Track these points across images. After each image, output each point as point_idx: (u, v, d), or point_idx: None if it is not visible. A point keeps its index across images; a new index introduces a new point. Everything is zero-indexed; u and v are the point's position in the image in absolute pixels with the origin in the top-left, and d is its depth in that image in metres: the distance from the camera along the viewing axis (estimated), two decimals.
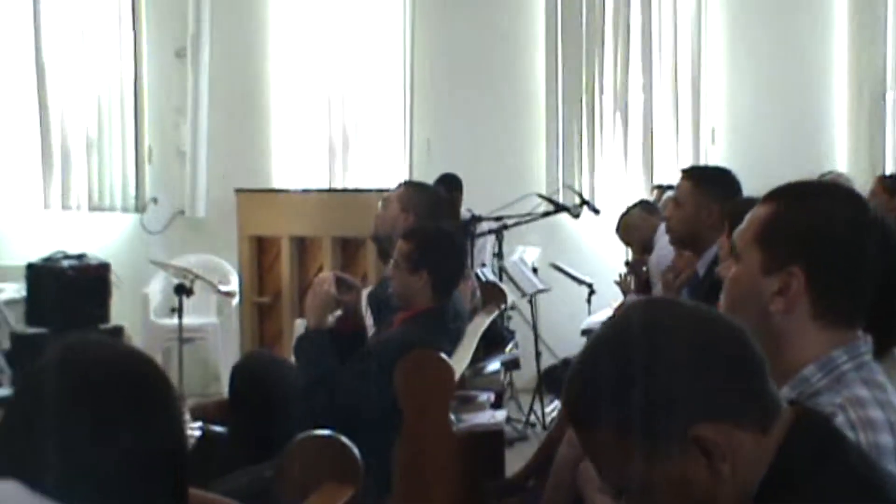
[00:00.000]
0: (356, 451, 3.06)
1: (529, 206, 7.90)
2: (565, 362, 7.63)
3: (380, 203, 5.52)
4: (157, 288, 9.45)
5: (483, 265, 8.03)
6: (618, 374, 1.76)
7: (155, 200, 9.94)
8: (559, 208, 7.60)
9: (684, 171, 5.09)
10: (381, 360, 4.31)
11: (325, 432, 3.15)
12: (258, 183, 9.36)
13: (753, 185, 3.79)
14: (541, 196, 7.77)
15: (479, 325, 5.68)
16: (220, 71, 9.82)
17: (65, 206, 9.82)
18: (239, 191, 8.54)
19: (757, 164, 7.39)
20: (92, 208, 9.87)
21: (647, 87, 9.21)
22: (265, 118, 9.87)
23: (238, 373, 5.28)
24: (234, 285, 8.85)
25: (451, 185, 8.79)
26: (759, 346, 1.82)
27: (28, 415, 2.12)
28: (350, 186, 9.56)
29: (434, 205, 5.48)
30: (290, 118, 9.84)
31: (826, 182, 2.88)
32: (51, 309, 7.80)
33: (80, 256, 8.05)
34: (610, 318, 1.88)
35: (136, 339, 9.49)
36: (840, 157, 9.18)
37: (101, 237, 9.74)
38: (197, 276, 8.80)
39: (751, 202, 3.86)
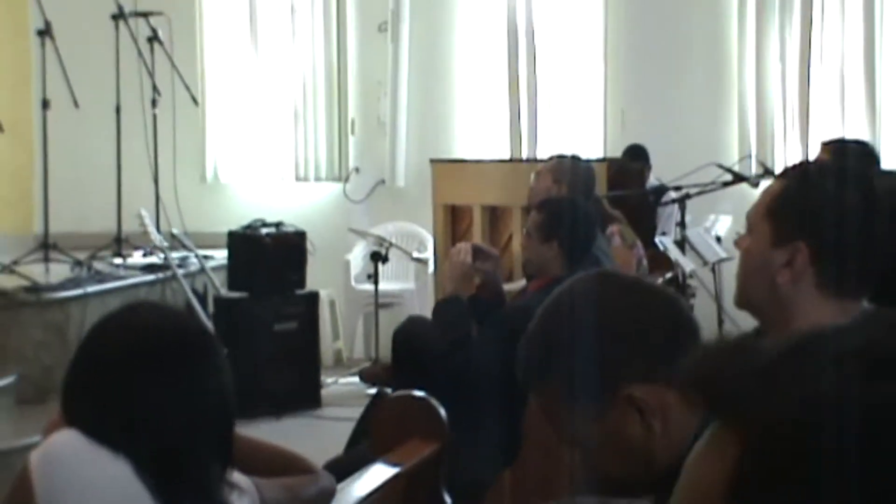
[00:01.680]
0: (442, 410, 3.28)
1: (714, 176, 7.94)
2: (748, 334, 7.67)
3: (532, 175, 5.70)
4: (359, 255, 9.84)
5: (664, 233, 8.13)
6: (560, 337, 1.95)
7: (357, 170, 10.33)
8: (737, 178, 7.62)
9: (825, 144, 5.12)
10: (513, 326, 4.50)
11: (416, 392, 3.38)
12: (451, 154, 9.65)
13: None
14: (720, 166, 7.80)
15: None
16: (418, 45, 10.13)
17: (273, 176, 10.33)
18: (434, 161, 8.83)
19: None
20: (298, 178, 10.35)
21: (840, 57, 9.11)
22: (460, 91, 10.12)
23: (397, 337, 5.56)
24: (429, 252, 9.16)
25: (637, 156, 8.92)
26: (689, 311, 1.99)
27: (88, 370, 2.42)
28: (542, 156, 9.73)
29: (586, 177, 5.64)
30: (484, 90, 10.07)
31: (832, 164, 2.96)
32: (250, 274, 8.22)
33: (278, 225, 8.45)
34: (561, 288, 2.07)
35: (339, 303, 9.95)
36: None
37: (306, 206, 10.20)
38: (392, 244, 9.16)
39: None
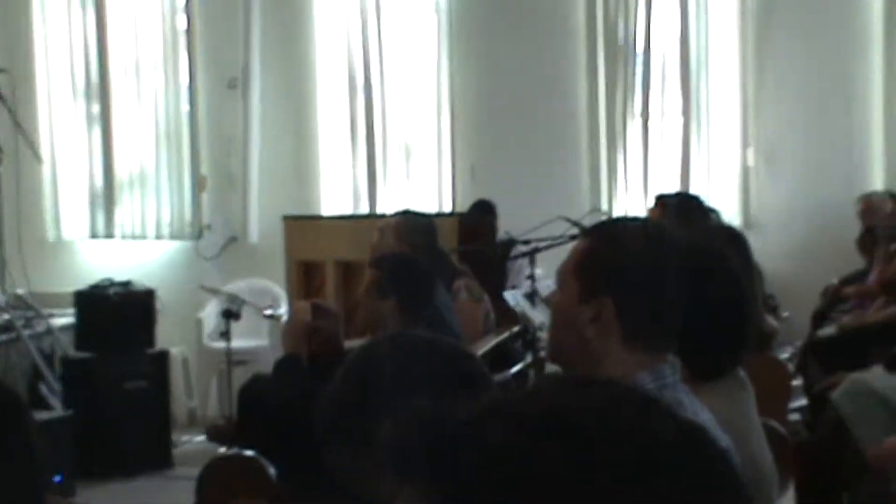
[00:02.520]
0: (270, 468, 3.26)
1: (563, 229, 8.02)
2: None
3: (376, 232, 5.72)
4: (212, 312, 9.74)
5: (514, 287, 8.18)
6: (349, 394, 1.97)
7: (209, 227, 10.25)
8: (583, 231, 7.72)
9: (657, 198, 5.25)
10: None
11: (242, 451, 3.36)
12: (305, 210, 9.63)
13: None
14: (567, 219, 7.88)
15: (481, 346, 5.88)
16: (270, 101, 10.11)
17: (124, 236, 10.23)
18: (286, 217, 8.83)
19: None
20: (147, 236, 10.24)
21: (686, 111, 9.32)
22: (312, 146, 10.12)
23: (242, 395, 5.52)
24: (283, 309, 9.10)
25: (486, 210, 9.00)
26: (483, 372, 2.02)
27: None
28: (390, 210, 9.77)
29: (428, 232, 5.67)
30: (336, 146, 10.09)
31: (637, 219, 3.05)
32: (98, 334, 8.11)
33: (126, 284, 8.35)
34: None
35: (193, 361, 9.83)
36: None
37: (156, 264, 10.09)
38: (244, 302, 9.08)
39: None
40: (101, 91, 10.24)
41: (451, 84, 9.76)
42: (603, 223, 2.68)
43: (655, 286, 2.45)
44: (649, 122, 9.40)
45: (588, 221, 8.36)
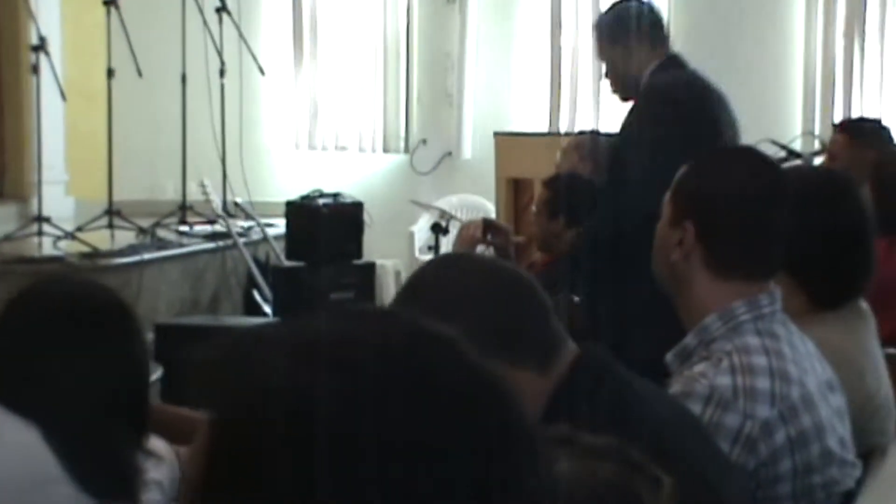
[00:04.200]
0: None
1: (771, 153, 7.84)
2: None
3: (557, 153, 5.70)
4: (424, 226, 9.89)
5: None
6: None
7: (424, 142, 10.38)
8: (792, 155, 7.52)
9: (839, 125, 5.08)
10: None
11: None
12: (519, 127, 9.66)
13: None
14: (774, 142, 7.69)
15: None
16: (486, 17, 10.13)
17: (338, 147, 10.46)
18: (497, 134, 8.86)
19: None
20: (362, 150, 10.45)
21: None
22: (527, 64, 10.11)
23: None
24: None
25: None
26: (540, 292, 2.01)
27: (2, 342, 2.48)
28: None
29: (608, 153, 5.62)
30: (546, 63, 10.05)
31: (741, 149, 2.98)
32: (307, 244, 8.30)
33: (336, 195, 8.51)
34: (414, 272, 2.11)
35: (405, 274, 10.01)
36: None
37: (370, 177, 10.29)
38: (453, 217, 9.19)
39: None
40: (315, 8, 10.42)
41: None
42: (710, 150, 2.65)
43: (741, 213, 2.45)
44: (865, 43, 9.06)
45: (798, 145, 8.17)
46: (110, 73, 8.60)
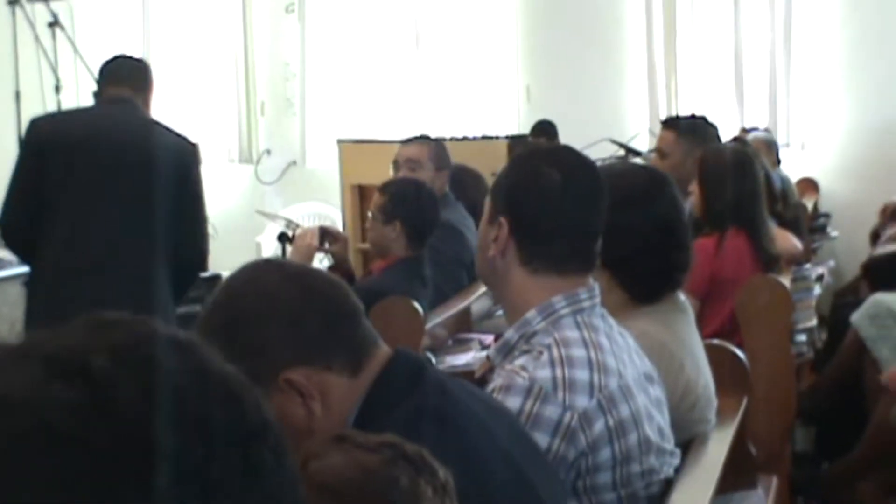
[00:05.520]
0: None
1: (610, 152, 7.97)
2: None
3: (391, 166, 5.72)
4: (270, 236, 9.84)
5: None
6: (220, 327, 1.98)
7: (269, 152, 10.34)
8: (630, 153, 7.66)
9: (664, 122, 5.20)
10: None
11: None
12: (360, 134, 9.66)
13: None
14: (613, 141, 7.84)
15: None
16: (325, 25, 10.13)
17: None
18: (341, 141, 8.85)
19: None
20: (210, 161, 10.35)
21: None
22: (367, 70, 10.13)
23: None
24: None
25: (544, 131, 8.94)
26: (351, 296, 2.03)
27: None
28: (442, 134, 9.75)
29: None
30: (390, 69, 10.08)
31: (559, 148, 3.05)
32: None
33: None
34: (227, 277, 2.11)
35: None
36: None
37: (215, 189, 10.20)
38: (299, 226, 9.15)
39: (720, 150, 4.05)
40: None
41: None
42: (524, 150, 2.70)
43: (551, 210, 2.48)
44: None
45: (635, 144, 8.32)
46: None
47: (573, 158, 2.55)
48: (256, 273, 2.07)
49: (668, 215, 2.88)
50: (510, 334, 2.47)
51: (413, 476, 1.45)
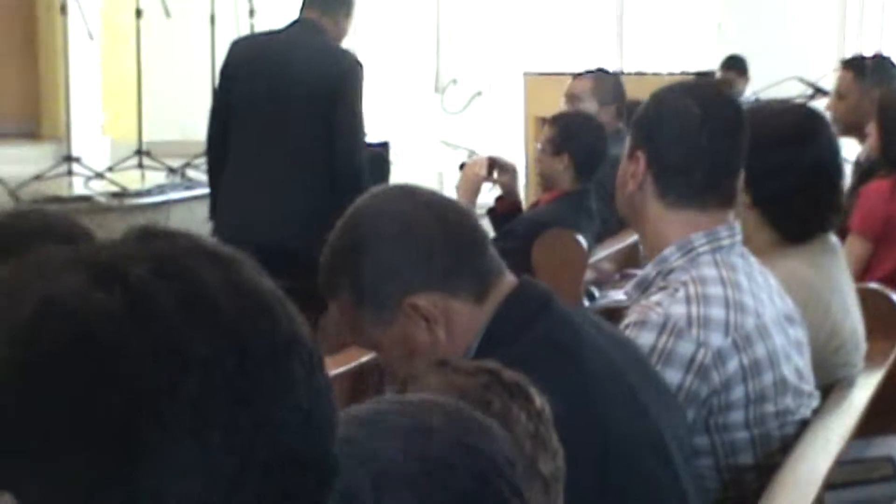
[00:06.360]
0: None
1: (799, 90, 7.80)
2: None
3: (562, 99, 5.70)
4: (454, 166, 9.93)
5: None
6: (350, 249, 2.03)
7: (455, 82, 10.41)
8: (818, 92, 7.48)
9: (843, 63, 5.06)
10: (521, 237, 4.57)
11: None
12: (551, 67, 9.66)
13: None
14: (802, 80, 7.66)
15: None
16: None
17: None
18: (527, 74, 8.86)
19: None
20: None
21: None
22: (559, 2, 10.09)
23: None
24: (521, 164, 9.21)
25: (731, 67, 8.80)
26: (480, 224, 2.05)
27: None
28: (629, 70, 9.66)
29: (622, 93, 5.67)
30: (584, 3, 10.02)
31: (700, 83, 2.98)
32: None
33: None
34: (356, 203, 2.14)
35: None
36: None
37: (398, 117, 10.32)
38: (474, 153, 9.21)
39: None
40: None
41: None
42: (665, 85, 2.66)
43: (687, 144, 2.44)
44: None
45: (824, 83, 8.10)
46: (139, 13, 8.63)
47: (713, 93, 2.53)
48: (390, 198, 2.09)
49: (822, 156, 2.82)
50: (648, 270, 2.47)
51: (506, 401, 1.47)
